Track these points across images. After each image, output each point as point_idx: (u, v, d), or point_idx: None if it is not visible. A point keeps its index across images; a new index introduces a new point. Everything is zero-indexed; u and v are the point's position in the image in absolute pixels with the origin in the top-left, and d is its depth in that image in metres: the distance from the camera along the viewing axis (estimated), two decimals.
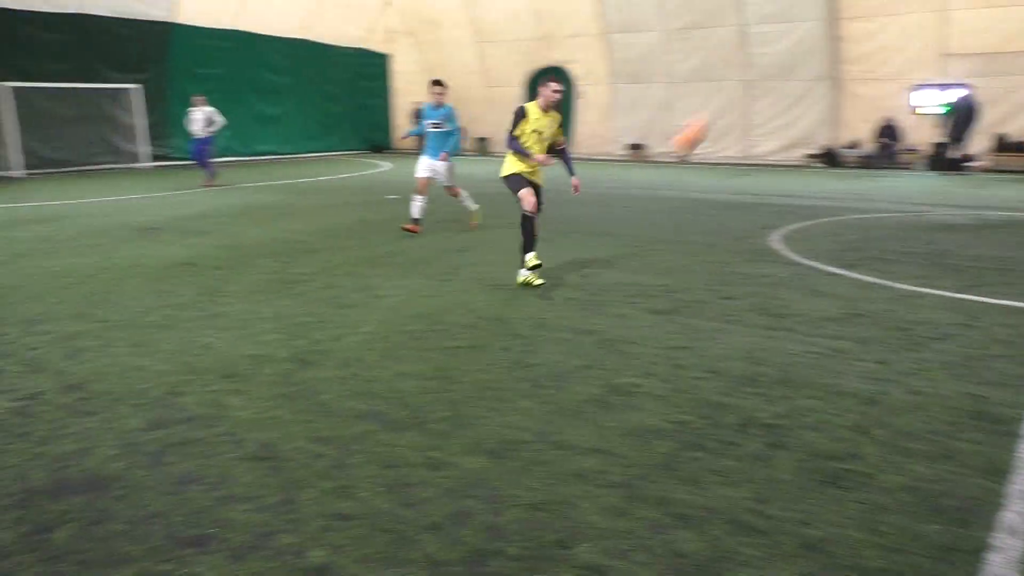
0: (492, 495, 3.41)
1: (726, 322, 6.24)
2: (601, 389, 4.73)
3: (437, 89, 10.73)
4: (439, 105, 10.96)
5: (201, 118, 17.20)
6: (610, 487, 3.48)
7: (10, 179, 18.85)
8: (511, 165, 7.64)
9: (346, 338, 5.79)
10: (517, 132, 7.56)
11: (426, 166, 10.96)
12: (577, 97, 27.65)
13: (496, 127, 29.60)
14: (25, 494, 3.44)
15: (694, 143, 13.84)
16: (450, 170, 11.09)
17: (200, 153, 17.46)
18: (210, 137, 17.39)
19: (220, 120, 17.34)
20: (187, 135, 17.88)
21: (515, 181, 7.54)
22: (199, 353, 5.43)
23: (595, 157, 27.25)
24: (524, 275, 7.49)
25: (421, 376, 4.96)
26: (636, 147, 26.95)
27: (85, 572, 2.85)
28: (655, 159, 26.50)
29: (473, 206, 11.60)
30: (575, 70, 27.44)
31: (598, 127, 27.62)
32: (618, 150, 27.19)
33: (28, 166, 19.53)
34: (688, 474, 3.61)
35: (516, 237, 7.60)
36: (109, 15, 21.10)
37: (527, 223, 7.43)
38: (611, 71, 26.77)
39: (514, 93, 28.80)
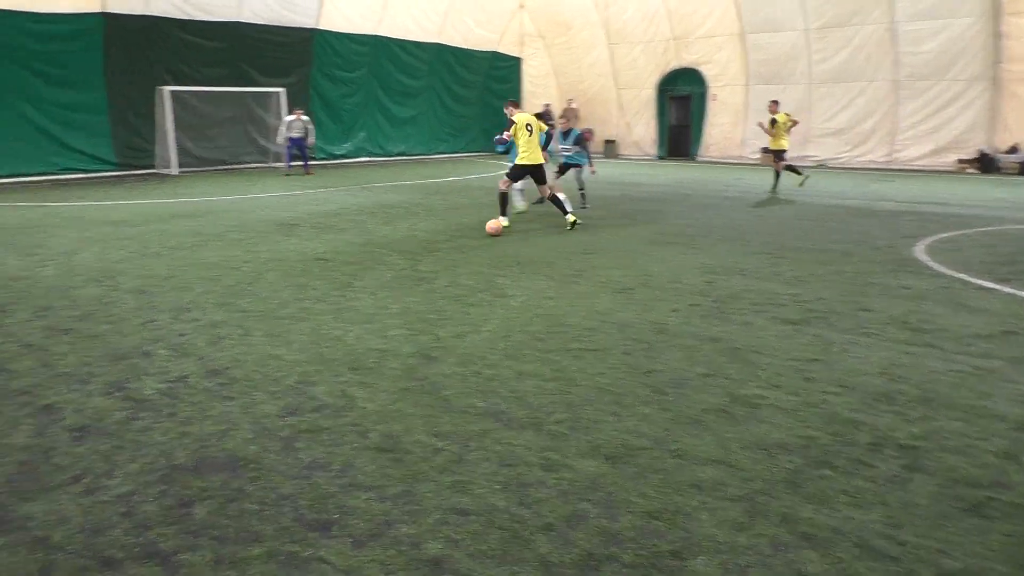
0: (607, 500, 3.38)
1: (862, 335, 5.93)
2: (723, 399, 4.60)
3: (567, 114, 11.78)
4: (568, 132, 13.14)
5: (299, 125, 20.58)
6: (730, 500, 3.38)
7: (166, 176, 20.31)
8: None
9: (469, 336, 5.89)
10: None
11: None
12: (710, 99, 27.01)
13: (625, 129, 29.38)
14: (170, 469, 3.69)
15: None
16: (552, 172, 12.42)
17: (301, 151, 20.82)
18: (303, 138, 20.65)
19: (312, 128, 21.00)
20: (287, 138, 20.89)
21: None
22: (330, 345, 5.66)
23: (726, 161, 26.57)
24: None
25: (541, 377, 4.98)
26: (769, 151, 26.03)
27: (220, 548, 3.03)
28: (790, 163, 25.49)
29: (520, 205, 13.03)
30: (708, 71, 26.83)
31: (730, 130, 26.88)
32: (750, 154, 26.36)
33: (181, 164, 20.98)
34: (814, 492, 3.45)
35: (642, 243, 7.49)
36: (261, 23, 22.40)
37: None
38: (746, 72, 25.99)
39: (645, 95, 28.49)
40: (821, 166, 24.11)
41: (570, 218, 11.12)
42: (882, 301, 6.99)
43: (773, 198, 15.73)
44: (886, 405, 4.49)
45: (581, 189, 13.81)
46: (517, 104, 11.48)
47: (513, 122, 11.08)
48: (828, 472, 3.64)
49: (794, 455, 3.83)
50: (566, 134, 13.35)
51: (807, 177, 17.51)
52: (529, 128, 10.85)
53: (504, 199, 11.17)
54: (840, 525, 3.17)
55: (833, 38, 23.88)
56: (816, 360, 5.31)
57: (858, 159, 24.09)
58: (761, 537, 3.08)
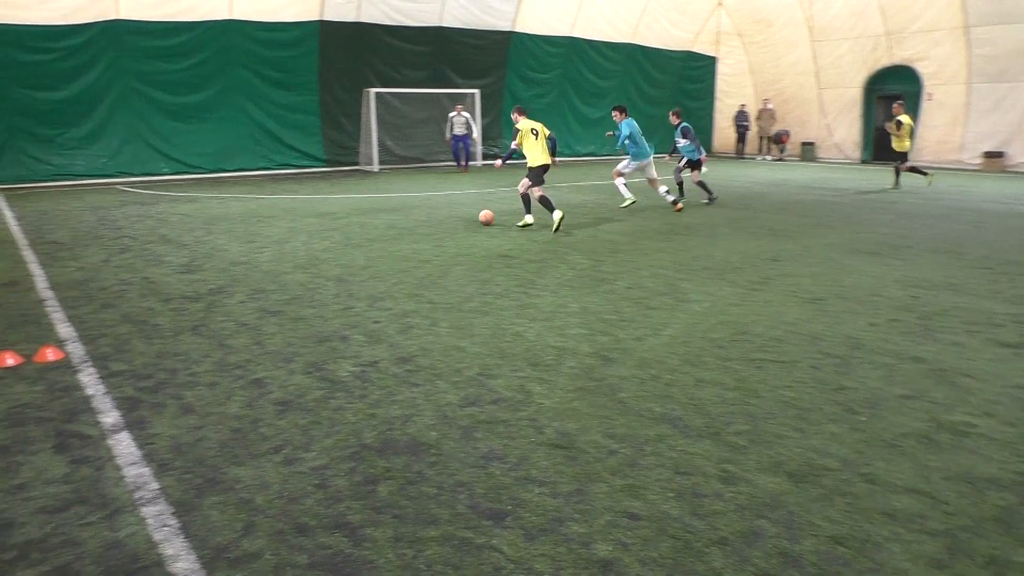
0: (788, 519, 3.22)
1: None
2: (926, 424, 4.23)
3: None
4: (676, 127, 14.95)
5: (461, 121, 21.67)
6: (928, 534, 3.11)
7: (368, 173, 21.65)
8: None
9: (648, 339, 5.82)
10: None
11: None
12: (925, 99, 24.89)
13: (825, 131, 27.77)
14: (359, 448, 3.93)
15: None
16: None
17: (465, 147, 22.00)
18: (467, 136, 21.88)
19: (474, 125, 22.20)
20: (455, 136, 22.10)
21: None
22: (510, 340, 5.79)
23: (941, 165, 24.39)
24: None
25: (721, 385, 4.82)
26: (993, 155, 23.62)
27: (400, 526, 3.18)
28: (1017, 169, 23.05)
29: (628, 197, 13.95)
30: (923, 68, 24.75)
31: (947, 132, 24.61)
32: (970, 158, 24.04)
33: (381, 162, 22.29)
34: None
35: (838, 252, 7.04)
36: (461, 26, 23.34)
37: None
38: (969, 69, 23.71)
39: (850, 95, 26.72)
40: None
41: (557, 215, 11.20)
42: None
43: (999, 207, 14.27)
44: None
45: (680, 183, 15.09)
46: (523, 111, 11.89)
47: (519, 129, 11.67)
48: None
49: (1007, 491, 3.46)
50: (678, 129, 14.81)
51: (932, 176, 17.82)
52: (535, 132, 11.50)
53: (526, 200, 11.77)
54: None
55: None
56: None
57: None
58: None
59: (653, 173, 13.87)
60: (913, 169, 17.25)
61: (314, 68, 21.09)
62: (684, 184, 15.16)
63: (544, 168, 11.62)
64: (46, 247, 9.86)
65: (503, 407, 4.47)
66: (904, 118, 16.83)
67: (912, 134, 16.76)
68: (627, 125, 13.30)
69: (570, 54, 26.26)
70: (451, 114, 21.98)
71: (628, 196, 14.03)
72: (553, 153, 11.64)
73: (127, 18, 18.10)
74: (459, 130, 21.76)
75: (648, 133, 30.04)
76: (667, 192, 13.59)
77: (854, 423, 4.23)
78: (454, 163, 22.66)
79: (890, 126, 17.17)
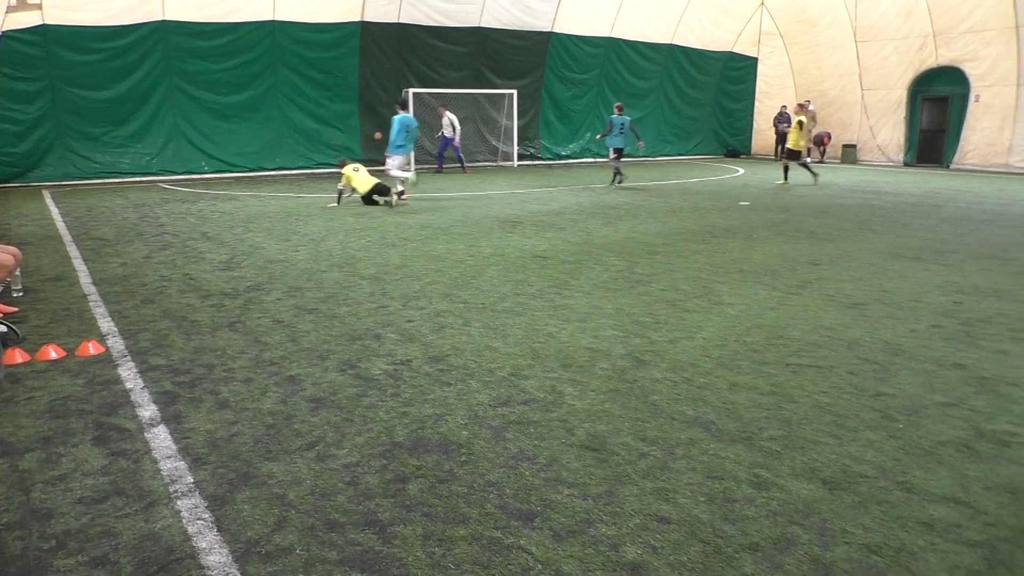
0: (822, 527, 3.17)
1: None
2: (966, 432, 4.14)
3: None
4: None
5: (446, 123, 21.36)
6: (967, 545, 3.04)
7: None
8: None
9: (682, 342, 5.77)
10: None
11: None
12: (973, 100, 24.31)
13: (868, 133, 27.28)
14: (391, 446, 3.95)
15: None
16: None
17: (454, 150, 21.68)
18: (453, 137, 21.48)
19: (459, 126, 21.58)
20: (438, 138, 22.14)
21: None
22: (543, 341, 5.78)
23: (987, 169, 23.85)
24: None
25: (756, 390, 4.77)
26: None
27: (430, 524, 3.20)
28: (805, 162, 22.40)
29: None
30: (972, 69, 24.18)
31: (994, 135, 24.02)
32: (1017, 162, 23.44)
33: (419, 161, 22.39)
34: None
35: (879, 256, 6.91)
36: (501, 27, 23.38)
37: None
38: (1019, 71, 23.09)
39: (894, 96, 26.21)
40: None
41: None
42: None
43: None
44: None
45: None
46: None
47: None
48: None
49: None
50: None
51: (789, 180, 18.85)
52: (357, 170, 14.11)
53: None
54: None
55: None
56: None
57: None
58: None
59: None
60: (805, 166, 18.74)
61: (354, 68, 21.32)
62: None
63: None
64: (90, 243, 10.09)
65: (534, 408, 4.47)
66: (803, 118, 18.28)
67: (809, 134, 18.61)
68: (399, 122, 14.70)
69: (609, 55, 26.17)
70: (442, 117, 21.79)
71: (407, 176, 15.21)
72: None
73: (174, 19, 18.47)
74: (446, 132, 21.54)
75: (685, 135, 29.97)
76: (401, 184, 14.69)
77: (892, 430, 4.15)
78: (496, 163, 22.65)
79: (793, 128, 18.50)
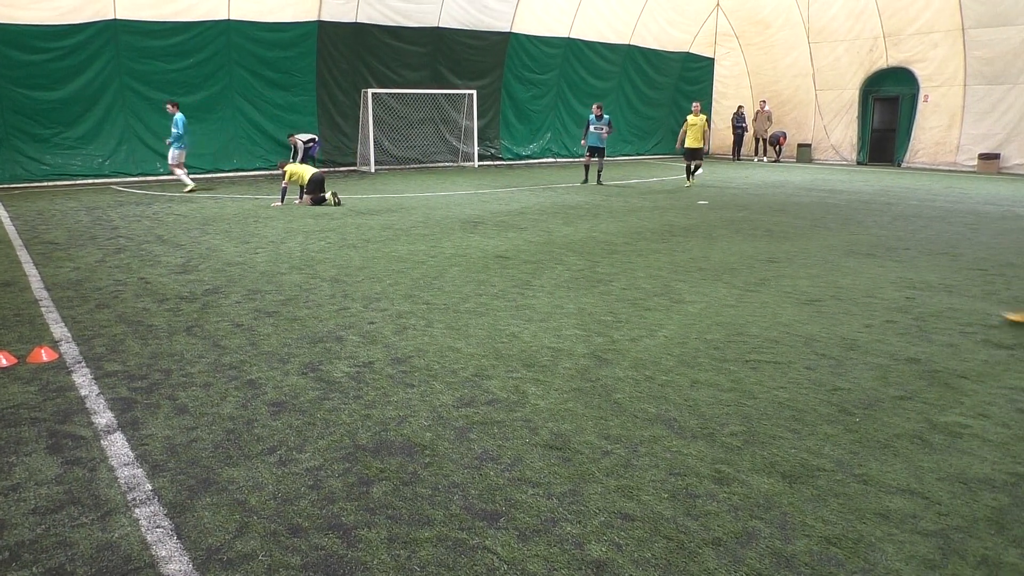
0: (782, 520, 3.22)
1: None
2: (920, 425, 4.24)
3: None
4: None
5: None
6: (921, 535, 3.11)
7: (364, 173, 21.65)
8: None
9: (643, 340, 5.82)
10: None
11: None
12: (922, 100, 24.92)
13: (822, 133, 27.80)
14: (354, 448, 3.92)
15: None
16: None
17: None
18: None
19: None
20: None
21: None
22: (506, 341, 5.79)
23: (936, 168, 24.48)
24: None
25: (716, 386, 4.83)
26: (988, 157, 23.67)
27: (394, 527, 3.18)
28: (1012, 171, 23.11)
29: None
30: (920, 70, 24.79)
31: (943, 134, 24.67)
32: (966, 160, 24.09)
33: (378, 162, 22.29)
34: (1022, 536, 3.10)
35: (834, 254, 7.03)
36: (459, 27, 23.34)
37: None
38: (965, 71, 23.75)
39: (847, 97, 26.76)
40: None
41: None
42: None
43: (995, 209, 14.30)
44: None
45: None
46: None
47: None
48: None
49: (1000, 492, 3.47)
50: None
51: (693, 182, 19.04)
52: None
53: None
54: None
55: None
56: None
57: None
58: None
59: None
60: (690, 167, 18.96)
61: (312, 69, 21.10)
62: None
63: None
64: (41, 247, 9.85)
65: (498, 408, 4.47)
66: (694, 119, 18.72)
67: (704, 135, 19.02)
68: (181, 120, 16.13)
69: (567, 55, 26.27)
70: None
71: (188, 183, 16.82)
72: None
73: (124, 18, 18.09)
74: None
75: (644, 135, 30.21)
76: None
77: (848, 424, 4.24)
78: (457, 164, 22.51)
79: (694, 126, 18.78)
